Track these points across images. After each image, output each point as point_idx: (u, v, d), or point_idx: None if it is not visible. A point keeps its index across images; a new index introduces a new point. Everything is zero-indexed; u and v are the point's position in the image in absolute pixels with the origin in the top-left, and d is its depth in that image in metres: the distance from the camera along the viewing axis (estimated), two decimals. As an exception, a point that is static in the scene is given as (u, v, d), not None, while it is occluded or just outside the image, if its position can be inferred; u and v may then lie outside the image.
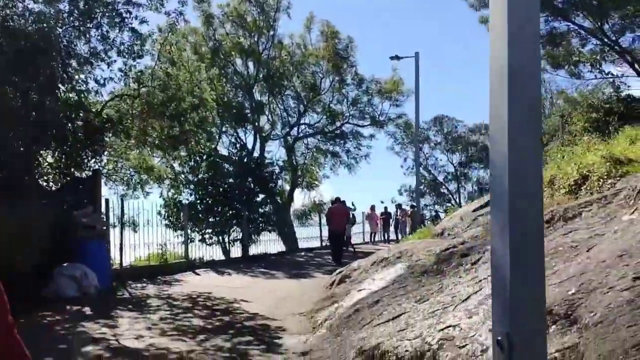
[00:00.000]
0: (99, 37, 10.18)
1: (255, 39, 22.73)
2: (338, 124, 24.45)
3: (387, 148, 44.37)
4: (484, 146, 48.33)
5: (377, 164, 52.87)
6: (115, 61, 10.32)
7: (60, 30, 9.98)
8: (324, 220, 22.11)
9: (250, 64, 23.20)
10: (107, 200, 11.16)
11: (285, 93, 23.96)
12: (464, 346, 3.51)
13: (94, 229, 9.74)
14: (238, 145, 19.99)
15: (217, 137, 20.65)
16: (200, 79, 11.45)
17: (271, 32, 22.59)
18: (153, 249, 12.85)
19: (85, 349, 5.73)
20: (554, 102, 68.71)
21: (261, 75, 22.80)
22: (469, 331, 3.62)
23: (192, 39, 20.91)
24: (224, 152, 19.41)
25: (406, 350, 3.96)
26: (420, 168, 47.58)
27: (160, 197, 16.49)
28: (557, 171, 7.60)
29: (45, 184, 11.12)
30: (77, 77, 10.24)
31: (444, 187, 46.93)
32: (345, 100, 24.37)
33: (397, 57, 19.05)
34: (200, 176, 16.66)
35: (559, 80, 22.97)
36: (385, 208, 26.25)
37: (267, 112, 23.47)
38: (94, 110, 10.63)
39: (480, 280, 4.36)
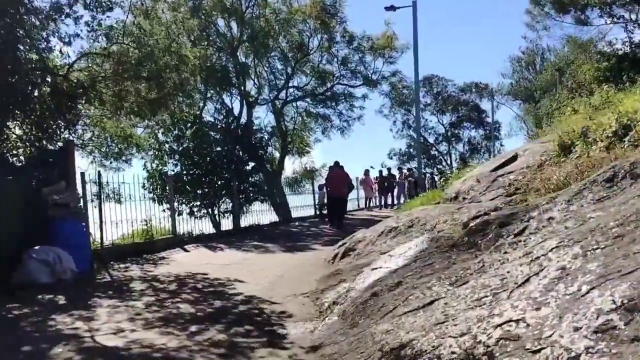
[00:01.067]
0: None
1: (239, -3, 21.29)
2: (329, 85, 23.29)
3: (375, 111, 43.41)
4: (474, 105, 47.76)
5: (366, 128, 51.99)
6: (82, 16, 9.12)
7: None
8: (317, 188, 21.43)
9: (234, 25, 21.84)
10: (82, 174, 10.13)
11: (272, 54, 22.66)
12: (538, 350, 2.63)
13: (67, 207, 8.75)
14: (224, 112, 18.79)
15: (201, 103, 19.46)
16: (178, 33, 10.27)
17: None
18: (138, 225, 11.91)
19: (53, 350, 4.82)
20: (544, 57, 67.15)
21: (245, 36, 21.41)
22: (542, 329, 2.75)
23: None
24: (209, 119, 18.20)
25: (452, 352, 3.08)
26: (410, 130, 47.68)
27: (143, 168, 15.43)
28: (588, 122, 6.69)
29: (15, 159, 10.08)
30: (38, 35, 9.01)
31: (434, 149, 46.57)
32: (336, 59, 23.13)
33: (392, 8, 17.69)
34: (185, 145, 15.56)
35: (565, 27, 21.77)
36: (380, 172, 25.39)
37: (253, 76, 22.22)
38: (61, 73, 9.45)
39: (538, 258, 3.47)
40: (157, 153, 15.29)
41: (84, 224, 9.32)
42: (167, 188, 13.92)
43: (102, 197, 10.36)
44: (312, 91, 23.39)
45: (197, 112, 16.90)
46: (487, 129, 46.27)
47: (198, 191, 16.02)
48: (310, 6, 22.30)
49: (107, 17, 9.26)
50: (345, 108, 23.41)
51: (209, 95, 20.58)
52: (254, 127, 18.13)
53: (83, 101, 10.44)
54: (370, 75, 23.09)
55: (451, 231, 5.34)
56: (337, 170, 15.83)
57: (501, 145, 46.06)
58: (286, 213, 20.32)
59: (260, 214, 18.24)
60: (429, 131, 44.99)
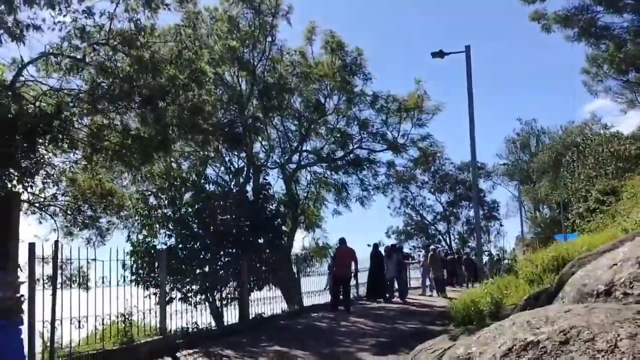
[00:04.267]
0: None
1: (250, 48, 18.74)
2: (349, 149, 20.34)
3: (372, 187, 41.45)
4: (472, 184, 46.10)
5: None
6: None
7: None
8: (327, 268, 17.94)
9: (243, 80, 19.16)
10: (31, 247, 6.66)
11: (284, 113, 19.85)
12: None
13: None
14: (231, 173, 15.54)
15: (204, 156, 16.15)
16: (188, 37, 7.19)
17: (268, 39, 18.62)
18: (112, 320, 8.27)
19: None
20: (539, 139, 65.77)
21: (256, 91, 18.69)
22: None
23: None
24: (213, 179, 14.84)
25: None
26: (408, 208, 46.11)
27: (127, 240, 11.92)
28: None
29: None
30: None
31: (433, 227, 45.20)
32: (356, 120, 20.34)
33: (441, 54, 14.94)
34: (182, 211, 12.15)
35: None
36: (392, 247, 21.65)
37: (262, 135, 19.28)
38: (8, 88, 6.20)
39: None
40: (145, 220, 11.79)
41: (21, 327, 5.73)
42: (157, 267, 10.35)
43: (56, 280, 6.79)
44: (329, 155, 20.37)
45: (199, 169, 13.58)
46: (486, 208, 45.73)
47: (197, 271, 12.46)
48: (329, 63, 19.83)
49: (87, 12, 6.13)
50: (368, 175, 20.36)
51: (212, 154, 17.43)
52: (268, 193, 14.79)
53: (46, 141, 7.13)
54: (395, 139, 20.20)
55: None
56: (342, 247, 14.84)
57: (501, 225, 46.91)
58: (298, 299, 16.59)
59: (272, 301, 14.53)
60: (427, 209, 44.14)
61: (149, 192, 12.24)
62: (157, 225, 11.95)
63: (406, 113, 19.77)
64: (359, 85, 19.87)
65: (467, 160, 44.95)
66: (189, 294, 12.46)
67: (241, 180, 13.79)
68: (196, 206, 12.21)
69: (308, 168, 20.82)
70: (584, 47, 16.13)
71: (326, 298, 17.47)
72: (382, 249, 19.43)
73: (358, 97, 20.02)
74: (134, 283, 10.96)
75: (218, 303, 13.14)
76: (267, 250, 14.04)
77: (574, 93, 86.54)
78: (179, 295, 12.29)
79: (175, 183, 11.80)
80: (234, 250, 12.87)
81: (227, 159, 17.79)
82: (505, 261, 20.60)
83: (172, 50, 6.63)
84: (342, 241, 15.02)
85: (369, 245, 23.78)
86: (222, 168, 17.40)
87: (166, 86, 6.54)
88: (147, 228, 11.87)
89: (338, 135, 20.18)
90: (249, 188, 17.03)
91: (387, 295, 17.63)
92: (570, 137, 57.71)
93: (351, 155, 20.41)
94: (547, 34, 14.75)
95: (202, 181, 12.97)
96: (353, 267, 14.80)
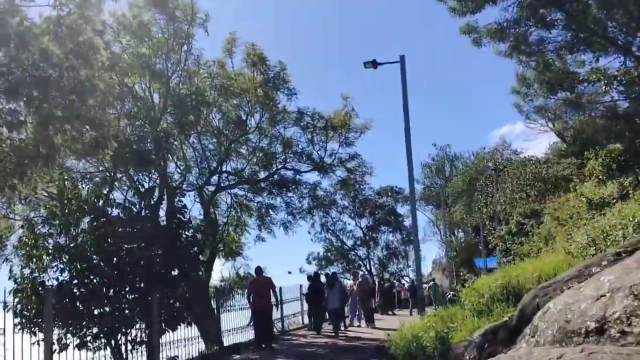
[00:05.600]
0: None
1: (164, 58, 16.92)
2: (272, 169, 18.92)
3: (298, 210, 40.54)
4: (391, 209, 47.04)
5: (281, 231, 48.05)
6: None
7: None
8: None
9: (156, 92, 17.24)
10: None
11: (202, 130, 18.11)
12: None
13: None
14: (138, 195, 13.55)
15: (110, 176, 14.08)
16: None
17: (184, 49, 16.91)
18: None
19: None
20: (454, 164, 67.91)
21: (170, 105, 16.82)
22: None
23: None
24: (117, 202, 12.74)
25: None
26: (328, 233, 45.87)
27: (9, 277, 9.68)
28: None
29: None
30: None
31: (353, 253, 44.90)
32: (280, 139, 19.02)
33: (374, 64, 13.91)
34: (79, 240, 10.10)
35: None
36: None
37: (177, 153, 17.42)
38: None
39: None
40: (31, 251, 9.61)
41: None
42: (43, 307, 8.30)
43: None
44: (251, 176, 18.84)
45: (100, 190, 11.50)
46: (404, 232, 46.07)
47: (95, 311, 10.42)
48: (250, 77, 18.44)
49: None
50: (293, 198, 19.02)
51: (118, 174, 15.33)
52: (184, 217, 12.92)
53: None
54: (322, 159, 19.07)
55: None
56: (259, 276, 13.92)
57: (419, 250, 46.62)
58: (217, 338, 14.74)
59: (185, 343, 12.65)
60: (347, 234, 43.94)
61: (38, 217, 10.09)
62: (47, 257, 9.80)
63: (333, 131, 18.73)
64: (283, 101, 18.63)
65: (385, 185, 45.63)
66: (87, 339, 10.40)
67: (152, 202, 11.83)
68: (96, 233, 10.22)
69: (228, 190, 19.13)
70: (514, 65, 15.93)
71: (250, 335, 15.79)
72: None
73: (282, 113, 18.74)
74: (17, 328, 8.87)
75: (123, 348, 11.11)
76: (182, 284, 12.16)
77: (488, 116, 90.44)
78: (76, 340, 10.24)
79: (69, 206, 9.74)
80: (143, 285, 10.95)
81: (135, 179, 15.65)
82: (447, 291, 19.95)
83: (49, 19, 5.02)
84: (259, 270, 14.12)
85: (289, 272, 22.69)
86: (130, 192, 15.27)
87: (40, 67, 4.88)
88: (34, 261, 9.69)
89: (261, 154, 18.74)
90: (161, 213, 15.12)
91: (337, 326, 16.38)
92: (482, 162, 60.12)
93: (275, 176, 19.02)
94: (477, 48, 14.22)
95: (104, 204, 10.96)
96: (273, 298, 13.86)
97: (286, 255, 58.33)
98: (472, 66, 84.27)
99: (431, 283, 29.26)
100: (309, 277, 17.27)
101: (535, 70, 15.92)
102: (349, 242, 44.25)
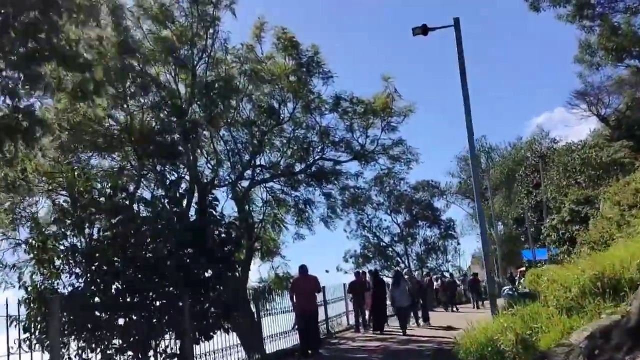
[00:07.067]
0: None
1: (188, 44, 15.65)
2: (309, 160, 17.40)
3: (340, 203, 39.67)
4: (428, 204, 45.69)
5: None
6: None
7: None
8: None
9: (181, 83, 15.95)
10: None
11: (233, 121, 16.71)
12: None
13: None
14: (167, 189, 12.13)
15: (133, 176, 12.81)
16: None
17: (210, 32, 15.56)
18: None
19: None
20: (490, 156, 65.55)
21: (197, 95, 15.53)
22: None
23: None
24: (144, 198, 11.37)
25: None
26: (365, 230, 44.95)
27: (19, 286, 8.45)
28: None
29: None
30: None
31: (390, 249, 43.50)
32: (317, 128, 17.51)
33: (424, 30, 12.01)
34: (96, 238, 8.80)
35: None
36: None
37: (207, 147, 16.13)
38: None
39: None
40: (39, 254, 8.31)
41: None
42: (49, 319, 6.97)
43: None
44: (287, 169, 17.37)
45: (117, 181, 10.07)
46: (442, 227, 45.29)
47: (119, 320, 9.11)
48: (282, 64, 17.00)
49: None
50: (334, 190, 17.47)
51: (143, 171, 14.05)
52: (215, 212, 11.50)
53: None
54: (363, 147, 17.44)
55: None
56: (303, 276, 12.77)
57: (458, 244, 46.51)
58: (259, 346, 13.29)
59: (223, 353, 11.27)
60: (384, 231, 42.65)
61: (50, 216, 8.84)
62: (59, 261, 8.51)
63: (374, 116, 17.05)
64: (318, 86, 17.09)
65: (421, 180, 44.31)
66: (111, 353, 9.10)
67: (178, 195, 10.41)
68: (114, 231, 8.89)
69: (263, 185, 17.71)
70: (575, 33, 14.18)
71: (294, 340, 14.33)
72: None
73: (317, 100, 17.21)
74: (26, 344, 7.60)
75: (152, 360, 9.76)
76: (217, 286, 10.74)
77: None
78: (98, 356, 8.95)
79: (81, 200, 8.44)
80: (172, 289, 9.58)
81: (162, 175, 14.36)
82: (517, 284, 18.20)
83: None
84: (303, 269, 12.87)
85: (327, 271, 22.10)
86: (157, 189, 13.97)
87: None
88: (44, 265, 8.41)
89: (296, 145, 17.25)
90: (191, 210, 13.78)
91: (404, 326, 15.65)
92: (520, 153, 58.00)
93: (313, 168, 17.50)
94: (536, 13, 12.49)
95: (126, 199, 9.62)
96: (319, 299, 13.36)
97: (322, 255, 56.90)
98: (512, 51, 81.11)
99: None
100: (374, 274, 16.86)
101: (600, 36, 14.19)
102: (386, 239, 42.92)
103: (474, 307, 25.49)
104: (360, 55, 77.13)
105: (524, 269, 28.80)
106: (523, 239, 57.27)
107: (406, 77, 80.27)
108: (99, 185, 9.09)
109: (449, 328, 15.79)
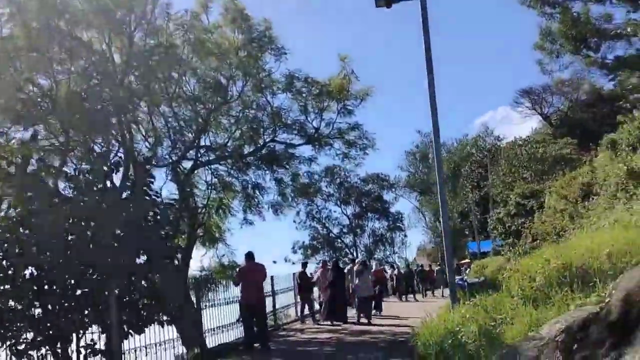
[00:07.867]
0: None
1: (126, 10, 14.10)
2: (260, 143, 16.26)
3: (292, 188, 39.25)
4: (377, 196, 46.30)
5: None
6: None
7: None
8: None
9: (117, 52, 14.41)
10: None
11: (175, 96, 15.31)
12: None
13: None
14: (92, 164, 10.70)
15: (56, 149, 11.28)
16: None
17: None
18: None
19: None
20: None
21: (134, 65, 14.04)
22: None
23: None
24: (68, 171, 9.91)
25: None
26: (314, 222, 45.42)
27: None
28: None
29: None
30: None
31: (339, 240, 44.63)
32: (269, 108, 16.38)
33: (388, 1, 10.94)
34: (2, 217, 7.43)
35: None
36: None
37: (144, 124, 14.71)
38: None
39: None
40: None
41: None
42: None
43: None
44: (235, 151, 16.14)
45: (27, 148, 8.62)
46: (391, 219, 46.38)
47: (31, 310, 7.81)
48: (231, 37, 15.80)
49: None
50: (286, 175, 16.45)
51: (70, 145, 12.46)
52: (151, 191, 10.20)
53: None
54: (317, 130, 16.47)
55: None
56: (250, 264, 12.09)
57: (405, 236, 47.85)
58: (199, 339, 12.16)
59: (157, 348, 10.12)
60: (333, 222, 43.88)
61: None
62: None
63: (329, 98, 16.10)
64: (270, 63, 15.97)
65: (371, 172, 45.13)
66: (23, 347, 7.80)
67: (107, 171, 9.04)
68: (29, 208, 7.54)
69: (208, 167, 16.41)
70: (536, 20, 13.83)
71: (238, 333, 13.31)
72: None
73: (269, 77, 16.08)
74: None
75: (74, 357, 8.48)
76: (151, 274, 9.50)
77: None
78: (4, 353, 7.67)
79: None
80: (97, 277, 8.32)
81: (93, 150, 12.86)
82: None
83: None
84: (250, 256, 12.16)
85: (274, 262, 21.69)
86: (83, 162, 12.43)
87: None
88: None
89: (246, 126, 16.08)
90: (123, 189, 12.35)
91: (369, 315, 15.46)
92: (466, 149, 59.47)
93: (263, 151, 16.39)
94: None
95: (41, 169, 8.25)
96: (267, 289, 13.07)
97: (269, 245, 55.88)
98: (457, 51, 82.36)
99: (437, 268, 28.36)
100: (334, 264, 16.35)
101: (561, 24, 13.92)
102: (335, 230, 43.91)
103: (423, 297, 25.56)
104: (321, 37, 76.07)
105: (468, 260, 29.15)
106: (467, 232, 58.78)
107: (367, 59, 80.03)
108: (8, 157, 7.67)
109: (404, 318, 15.28)
